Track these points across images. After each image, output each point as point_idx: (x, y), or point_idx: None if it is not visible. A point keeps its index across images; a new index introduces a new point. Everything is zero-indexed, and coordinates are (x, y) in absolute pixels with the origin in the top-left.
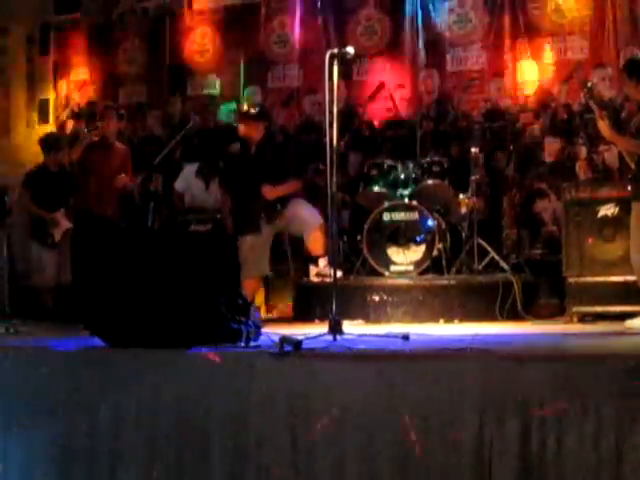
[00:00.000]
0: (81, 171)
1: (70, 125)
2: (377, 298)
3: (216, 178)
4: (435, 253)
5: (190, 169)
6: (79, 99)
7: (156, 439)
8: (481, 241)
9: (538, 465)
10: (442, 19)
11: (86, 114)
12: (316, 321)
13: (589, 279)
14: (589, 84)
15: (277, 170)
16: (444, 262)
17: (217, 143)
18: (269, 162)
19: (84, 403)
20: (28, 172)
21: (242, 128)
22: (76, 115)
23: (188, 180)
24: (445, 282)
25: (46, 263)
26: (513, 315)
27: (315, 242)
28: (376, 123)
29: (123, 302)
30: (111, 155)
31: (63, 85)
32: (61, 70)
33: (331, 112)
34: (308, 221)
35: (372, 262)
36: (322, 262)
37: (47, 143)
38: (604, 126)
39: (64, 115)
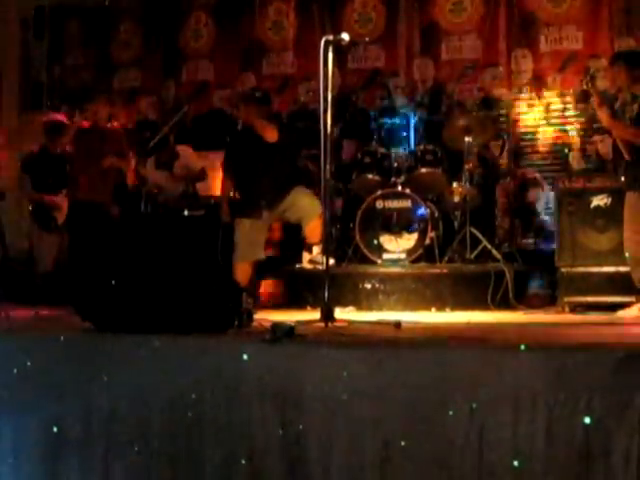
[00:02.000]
0: (74, 159)
1: (64, 109)
2: (369, 286)
3: (176, 161)
4: (427, 241)
5: (149, 165)
6: (73, 83)
7: (148, 424)
8: (474, 230)
9: (528, 454)
10: (437, 7)
11: (80, 98)
12: (308, 308)
13: (581, 269)
14: (591, 71)
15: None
16: (436, 250)
17: (213, 129)
18: (273, 146)
19: (75, 388)
20: (27, 156)
21: (244, 111)
22: (70, 99)
23: (151, 175)
24: (437, 270)
25: (47, 247)
26: (505, 304)
27: (313, 231)
28: (370, 111)
29: (115, 287)
30: (104, 140)
31: (57, 69)
32: (55, 54)
33: (325, 99)
34: (308, 210)
35: (364, 250)
36: (316, 249)
37: (51, 128)
38: (603, 113)
39: (57, 100)
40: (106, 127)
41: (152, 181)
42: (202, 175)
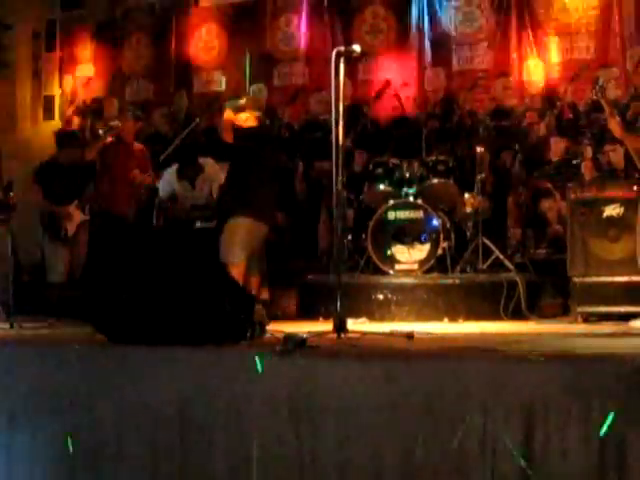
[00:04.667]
0: (98, 171)
1: (76, 121)
2: (381, 297)
3: (200, 175)
4: (440, 252)
5: (169, 174)
6: (85, 95)
7: (159, 436)
8: (486, 240)
9: (541, 465)
10: (448, 18)
11: (92, 110)
12: (320, 319)
13: (594, 279)
14: (600, 81)
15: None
16: (448, 261)
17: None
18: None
19: (87, 400)
20: (38, 167)
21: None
22: (82, 111)
23: (171, 184)
24: (449, 281)
25: (58, 258)
26: (517, 315)
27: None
28: (382, 121)
29: (128, 299)
30: (128, 155)
31: (69, 81)
32: (67, 66)
33: (337, 110)
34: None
35: (376, 261)
36: None
37: (62, 138)
38: (615, 124)
39: (70, 111)
40: (131, 144)
41: (169, 191)
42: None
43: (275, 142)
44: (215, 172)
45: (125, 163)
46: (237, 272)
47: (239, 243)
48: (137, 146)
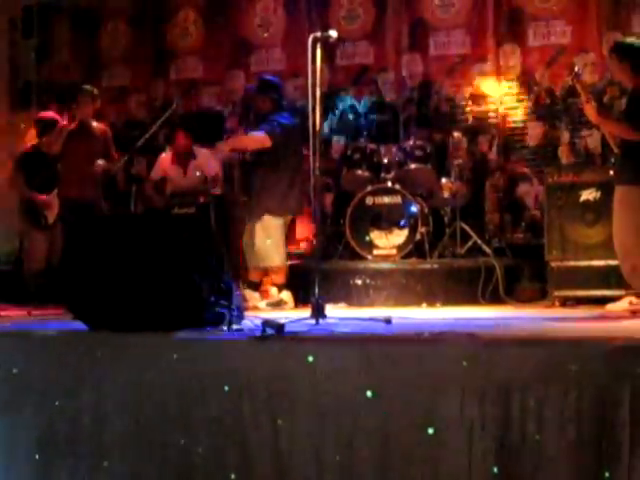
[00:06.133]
0: (63, 158)
1: (53, 108)
2: (360, 282)
3: (192, 162)
4: (418, 237)
5: (164, 157)
6: (62, 82)
7: (139, 423)
8: (464, 225)
9: (518, 448)
10: (425, 2)
11: (69, 97)
12: (299, 305)
13: (571, 263)
14: (576, 67)
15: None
16: (427, 246)
17: (201, 127)
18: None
19: (66, 387)
20: (20, 154)
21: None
22: (58, 98)
23: (164, 167)
24: (427, 266)
25: (37, 245)
26: (495, 299)
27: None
28: (359, 107)
29: (106, 286)
30: (91, 139)
31: (46, 68)
32: (44, 53)
33: (314, 96)
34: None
35: (355, 246)
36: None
37: (43, 125)
38: (591, 109)
39: (47, 98)
40: (92, 127)
41: (161, 173)
42: (213, 182)
43: (298, 134)
44: (206, 162)
45: (88, 149)
46: (282, 274)
47: (283, 244)
48: (98, 127)
